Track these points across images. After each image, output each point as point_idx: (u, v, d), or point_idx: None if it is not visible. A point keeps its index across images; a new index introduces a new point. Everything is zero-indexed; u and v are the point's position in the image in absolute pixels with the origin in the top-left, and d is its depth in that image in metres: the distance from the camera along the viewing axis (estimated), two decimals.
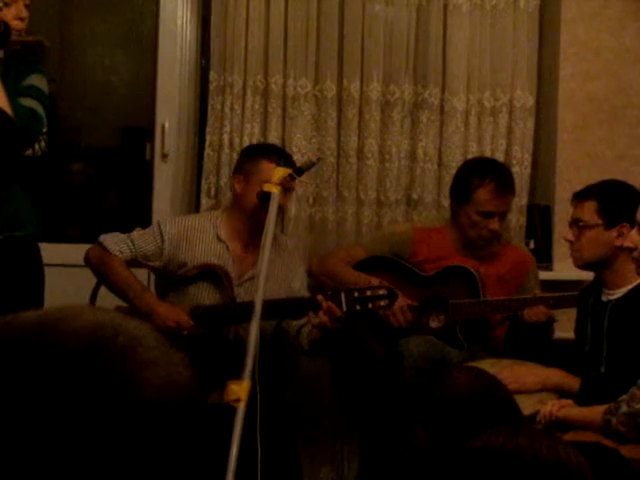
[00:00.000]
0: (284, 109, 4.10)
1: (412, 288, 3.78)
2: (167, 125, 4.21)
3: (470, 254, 3.84)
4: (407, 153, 4.19)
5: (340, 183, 4.15)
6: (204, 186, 4.10)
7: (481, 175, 3.74)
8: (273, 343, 3.56)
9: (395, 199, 4.17)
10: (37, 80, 3.28)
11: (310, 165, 3.14)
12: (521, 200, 4.17)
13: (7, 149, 3.10)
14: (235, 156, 3.93)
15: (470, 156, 4.13)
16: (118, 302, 3.50)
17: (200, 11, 4.27)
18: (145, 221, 3.96)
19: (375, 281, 3.55)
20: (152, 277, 3.76)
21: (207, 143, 4.10)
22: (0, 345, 0.82)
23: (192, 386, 0.85)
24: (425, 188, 4.18)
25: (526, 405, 2.89)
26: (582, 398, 3.08)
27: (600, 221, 3.25)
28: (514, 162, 4.18)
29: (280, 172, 3.04)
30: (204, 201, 4.09)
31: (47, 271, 3.38)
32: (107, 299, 3.52)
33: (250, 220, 3.54)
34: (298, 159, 3.90)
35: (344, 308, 3.39)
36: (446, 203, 4.07)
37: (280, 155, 3.59)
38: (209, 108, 4.10)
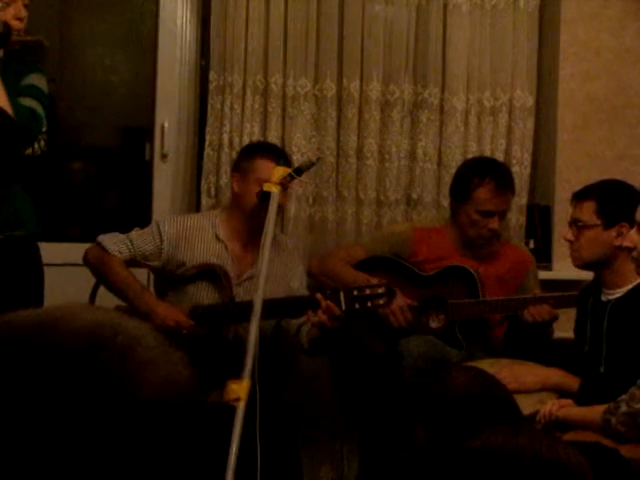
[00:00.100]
0: (284, 109, 4.10)
1: (412, 288, 3.78)
2: (167, 125, 4.21)
3: (470, 254, 3.84)
4: (407, 153, 4.19)
5: (340, 183, 4.15)
6: (204, 186, 4.10)
7: (481, 174, 3.74)
8: (272, 342, 3.56)
9: (395, 199, 4.17)
10: (36, 80, 3.28)
11: (310, 165, 3.14)
12: (521, 200, 4.18)
13: (7, 148, 3.10)
14: (235, 156, 3.93)
15: (470, 156, 4.13)
16: (118, 301, 3.50)
17: (200, 11, 4.27)
18: (145, 221, 3.96)
19: (374, 280, 3.55)
20: (152, 277, 3.77)
21: (207, 143, 4.10)
22: None
23: (191, 385, 0.85)
24: (425, 188, 4.18)
25: (526, 405, 2.89)
26: (582, 398, 3.08)
27: (599, 221, 3.25)
28: (514, 162, 4.19)
29: (280, 172, 3.04)
30: (204, 201, 4.09)
31: (47, 270, 3.38)
32: (107, 298, 3.52)
33: (249, 219, 3.54)
34: (298, 159, 3.91)
35: (343, 307, 3.39)
36: (446, 203, 4.07)
37: (276, 153, 3.60)
38: (209, 108, 4.10)
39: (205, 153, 4.10)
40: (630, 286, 3.22)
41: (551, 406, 3.05)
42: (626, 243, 2.91)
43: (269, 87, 4.08)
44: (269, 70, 4.08)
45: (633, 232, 2.80)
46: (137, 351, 0.82)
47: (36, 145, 3.33)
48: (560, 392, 3.22)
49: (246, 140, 4.03)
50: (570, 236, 3.33)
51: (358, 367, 3.84)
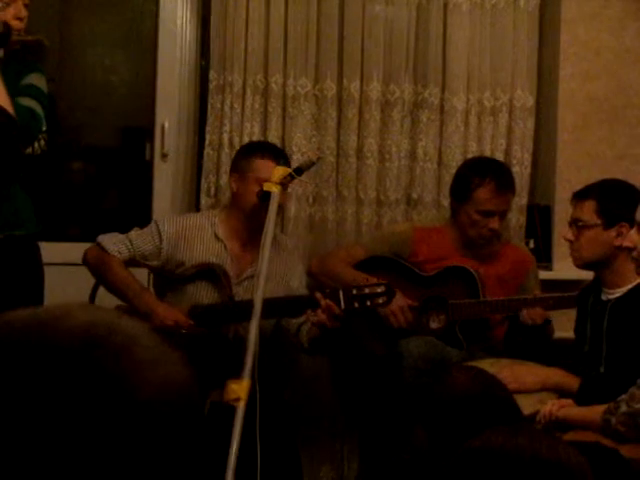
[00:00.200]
0: (284, 108, 4.10)
1: (412, 288, 3.78)
2: (167, 125, 4.21)
3: (470, 254, 3.84)
4: (407, 152, 4.19)
5: (340, 183, 4.15)
6: (204, 185, 4.10)
7: (481, 174, 3.74)
8: (272, 342, 3.56)
9: (395, 199, 4.17)
10: (36, 79, 3.28)
11: (310, 164, 3.13)
12: (521, 200, 4.17)
13: (8, 148, 3.10)
14: None
15: (470, 156, 4.13)
16: (117, 301, 3.50)
17: (200, 11, 4.27)
18: (145, 221, 3.95)
19: (373, 279, 3.55)
20: (151, 277, 3.76)
21: (207, 142, 4.10)
22: None
23: (190, 385, 0.85)
24: (425, 188, 4.18)
25: (526, 405, 2.89)
26: (582, 398, 3.08)
27: (599, 221, 3.25)
28: (514, 162, 4.18)
29: (280, 171, 3.03)
30: (204, 200, 4.09)
31: (47, 270, 3.38)
32: (107, 298, 3.52)
33: (248, 219, 3.54)
34: (298, 159, 3.91)
35: (342, 306, 3.39)
36: (446, 203, 4.07)
37: (274, 152, 3.60)
38: (209, 107, 4.10)
39: (205, 153, 4.10)
40: (630, 286, 3.22)
41: (551, 406, 3.05)
42: (626, 243, 2.91)
43: (269, 87, 4.08)
44: (269, 70, 4.08)
45: (633, 232, 2.80)
46: (133, 350, 0.82)
47: (36, 145, 3.32)
48: (560, 392, 3.21)
49: (246, 140, 4.02)
50: (570, 236, 3.33)
51: (358, 367, 3.84)
